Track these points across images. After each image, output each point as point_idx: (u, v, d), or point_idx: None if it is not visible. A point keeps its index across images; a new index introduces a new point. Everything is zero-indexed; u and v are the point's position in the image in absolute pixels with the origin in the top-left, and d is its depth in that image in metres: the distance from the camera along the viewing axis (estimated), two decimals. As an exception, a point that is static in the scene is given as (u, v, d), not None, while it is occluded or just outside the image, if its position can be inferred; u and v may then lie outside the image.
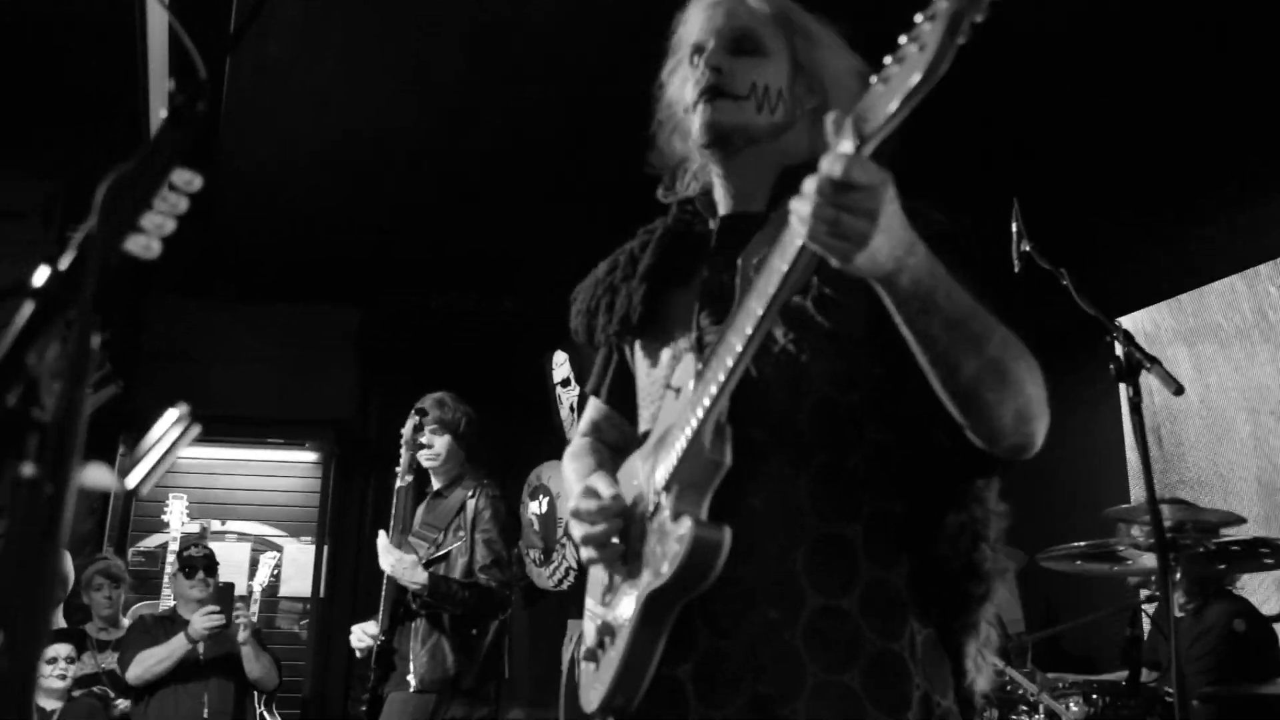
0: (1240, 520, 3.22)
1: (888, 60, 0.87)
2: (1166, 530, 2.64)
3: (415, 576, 3.32)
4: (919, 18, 0.83)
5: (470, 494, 3.58)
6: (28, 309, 0.76)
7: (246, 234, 5.21)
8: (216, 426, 5.73)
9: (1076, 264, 2.75)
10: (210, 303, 5.77)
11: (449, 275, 5.75)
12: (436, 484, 3.71)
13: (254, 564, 5.24)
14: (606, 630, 1.29)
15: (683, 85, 1.40)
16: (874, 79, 0.90)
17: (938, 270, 1.06)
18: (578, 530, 1.32)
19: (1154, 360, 2.57)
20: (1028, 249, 2.77)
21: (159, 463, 0.91)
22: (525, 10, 3.54)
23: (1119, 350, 2.56)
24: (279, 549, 5.70)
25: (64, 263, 0.78)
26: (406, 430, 3.60)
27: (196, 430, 0.95)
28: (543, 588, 5.77)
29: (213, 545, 4.58)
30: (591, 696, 1.30)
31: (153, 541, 5.70)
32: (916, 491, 1.24)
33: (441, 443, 3.63)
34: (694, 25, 1.40)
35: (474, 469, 3.72)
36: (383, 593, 3.39)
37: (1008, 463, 1.22)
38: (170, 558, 4.51)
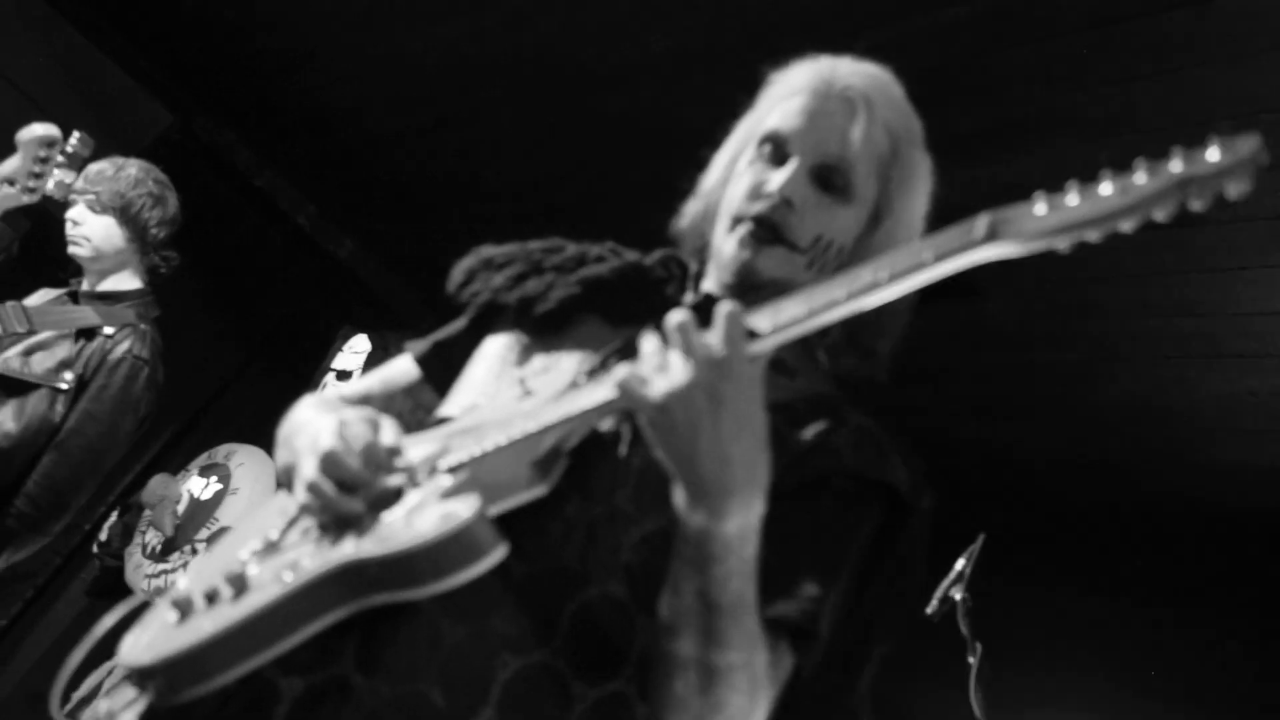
0: None
1: (1070, 186, 0.84)
2: None
3: None
4: (1140, 163, 0.81)
5: (116, 333, 2.61)
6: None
7: None
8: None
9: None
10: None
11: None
12: (83, 283, 2.77)
13: None
14: (236, 583, 1.07)
15: (735, 166, 1.33)
16: (1040, 195, 0.85)
17: (747, 550, 0.98)
18: (310, 463, 1.10)
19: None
20: (959, 597, 2.54)
21: None
22: None
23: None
24: None
25: None
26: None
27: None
28: (129, 582, 4.55)
29: None
30: (145, 645, 1.06)
31: None
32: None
33: (101, 225, 2.66)
34: (790, 109, 1.28)
35: (144, 299, 2.75)
36: None
37: None
38: None
